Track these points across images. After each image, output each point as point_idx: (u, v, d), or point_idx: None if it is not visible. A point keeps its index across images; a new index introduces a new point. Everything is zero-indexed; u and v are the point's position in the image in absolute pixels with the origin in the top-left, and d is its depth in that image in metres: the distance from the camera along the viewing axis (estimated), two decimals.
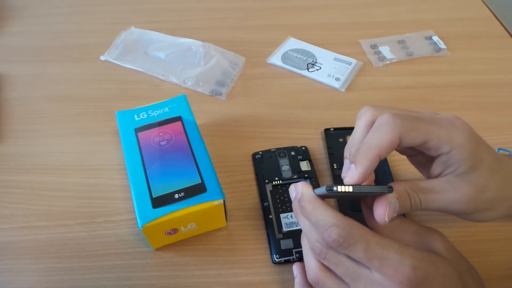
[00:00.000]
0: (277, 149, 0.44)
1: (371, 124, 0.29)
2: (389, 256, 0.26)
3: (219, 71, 0.55)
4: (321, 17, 0.65)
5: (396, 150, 0.31)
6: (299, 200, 0.29)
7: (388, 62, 0.57)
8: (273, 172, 0.42)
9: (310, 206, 0.28)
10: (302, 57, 0.57)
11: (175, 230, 0.36)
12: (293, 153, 0.44)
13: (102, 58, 0.57)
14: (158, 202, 0.34)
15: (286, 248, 0.37)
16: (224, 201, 0.35)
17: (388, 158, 0.44)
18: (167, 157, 0.37)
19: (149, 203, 0.34)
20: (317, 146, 0.46)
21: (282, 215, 0.39)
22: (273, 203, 0.40)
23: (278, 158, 0.43)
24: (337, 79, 0.54)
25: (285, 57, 0.57)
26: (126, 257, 0.37)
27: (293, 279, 0.34)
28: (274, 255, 0.37)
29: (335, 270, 0.28)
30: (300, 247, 0.36)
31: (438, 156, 0.29)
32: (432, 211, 0.30)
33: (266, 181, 0.42)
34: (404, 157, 0.34)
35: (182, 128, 0.40)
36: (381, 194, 0.28)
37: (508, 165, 0.31)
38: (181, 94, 0.44)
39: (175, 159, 0.37)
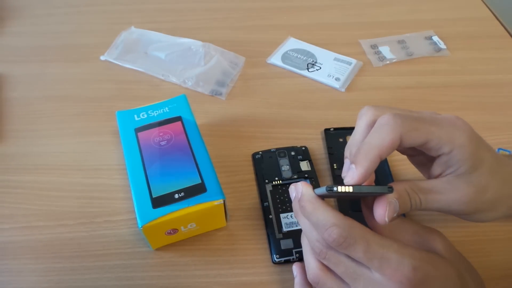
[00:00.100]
0: (277, 149, 0.44)
1: (372, 124, 0.29)
2: (389, 256, 0.26)
3: (219, 71, 0.55)
4: (321, 17, 0.65)
5: (397, 150, 0.31)
6: (299, 200, 0.29)
7: (388, 62, 0.57)
8: (273, 172, 0.42)
9: (310, 206, 0.28)
10: (302, 57, 0.57)
11: (175, 230, 0.36)
12: (293, 153, 0.44)
13: (102, 58, 0.57)
14: (158, 202, 0.34)
15: (286, 248, 0.37)
16: (224, 201, 0.35)
17: (388, 158, 0.44)
18: (167, 157, 0.37)
19: (149, 203, 0.34)
20: (317, 146, 0.46)
21: (282, 215, 0.39)
22: (273, 203, 0.40)
23: (278, 158, 0.43)
24: (337, 79, 0.54)
25: (285, 57, 0.57)
26: (126, 257, 0.37)
27: (293, 279, 0.34)
28: (274, 255, 0.37)
29: (335, 270, 0.28)
30: (300, 247, 0.36)
31: (438, 156, 0.29)
32: (432, 211, 0.30)
33: (266, 181, 0.42)
34: (404, 157, 0.34)
35: (182, 128, 0.40)
36: (381, 194, 0.28)
37: (508, 166, 0.31)
38: (181, 94, 0.44)
39: (175, 159, 0.37)
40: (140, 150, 0.38)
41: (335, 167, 0.43)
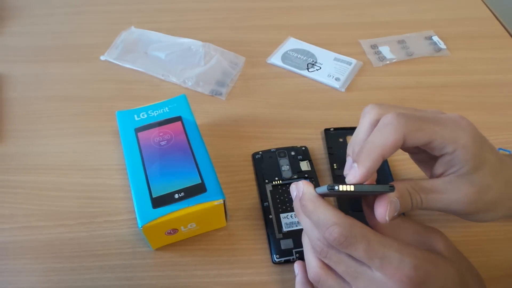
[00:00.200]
0: (277, 149, 0.44)
1: (375, 122, 0.29)
2: (390, 255, 0.26)
3: (219, 71, 0.55)
4: (321, 17, 0.65)
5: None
6: (300, 199, 0.29)
7: (388, 62, 0.57)
8: (273, 172, 0.42)
9: (311, 204, 0.28)
10: (302, 57, 0.57)
11: (175, 230, 0.36)
12: (293, 153, 0.44)
13: (102, 58, 0.57)
14: (158, 202, 0.34)
15: (286, 248, 0.37)
16: (224, 201, 0.35)
17: (388, 158, 0.44)
18: (167, 157, 0.37)
19: (149, 203, 0.34)
20: (317, 146, 0.46)
21: (282, 215, 0.39)
22: (273, 203, 0.40)
23: (278, 158, 0.43)
24: (337, 79, 0.54)
25: (285, 57, 0.57)
26: (126, 257, 0.37)
27: (293, 279, 0.34)
28: (274, 255, 0.37)
29: (336, 268, 0.28)
30: (300, 247, 0.36)
31: (441, 155, 0.29)
32: (432, 211, 0.30)
33: (266, 181, 0.42)
34: (404, 157, 0.35)
35: (182, 128, 0.40)
36: (382, 193, 0.28)
37: (510, 167, 0.31)
38: (181, 94, 0.44)
39: (175, 159, 0.37)
40: (140, 150, 0.38)
41: (335, 167, 0.43)
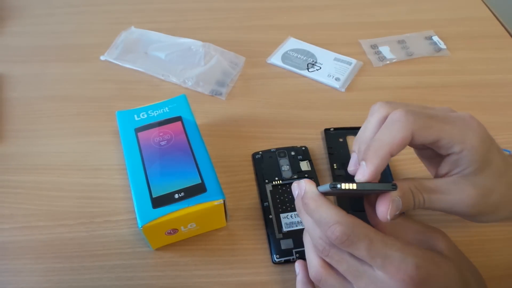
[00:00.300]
0: (277, 149, 0.44)
1: (384, 120, 0.29)
2: (391, 254, 0.26)
3: (219, 71, 0.55)
4: (321, 17, 0.65)
5: None
6: (302, 197, 0.29)
7: (388, 62, 0.57)
8: (273, 172, 0.42)
9: (313, 203, 0.28)
10: (302, 57, 0.57)
11: (175, 230, 0.36)
12: (293, 153, 0.44)
13: (102, 58, 0.57)
14: (158, 202, 0.34)
15: (286, 248, 0.37)
16: (224, 201, 0.35)
17: None
18: (167, 157, 0.37)
19: (149, 203, 0.34)
20: (317, 146, 0.46)
21: (282, 215, 0.39)
22: (273, 203, 0.40)
23: (278, 158, 0.43)
24: (337, 79, 0.54)
25: (285, 57, 0.57)
26: (126, 257, 0.37)
27: (293, 279, 0.34)
28: (274, 255, 0.37)
29: (337, 267, 0.28)
30: (301, 247, 0.36)
31: (448, 155, 0.29)
32: (433, 211, 0.30)
33: (266, 181, 0.42)
34: (405, 157, 0.34)
35: (182, 128, 0.40)
36: (384, 192, 0.27)
37: None
38: (181, 94, 0.44)
39: (175, 159, 0.37)
40: (140, 150, 0.38)
41: (335, 167, 0.43)
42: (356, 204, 0.40)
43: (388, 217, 0.27)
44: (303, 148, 0.44)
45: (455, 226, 0.39)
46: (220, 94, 0.52)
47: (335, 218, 0.27)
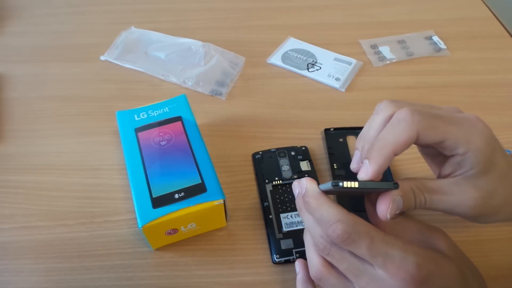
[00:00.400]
0: (277, 149, 0.44)
1: (389, 119, 0.29)
2: (392, 253, 0.25)
3: (219, 71, 0.55)
4: (321, 17, 0.65)
5: None
6: (303, 196, 0.29)
7: (388, 62, 0.57)
8: (273, 172, 0.42)
9: (314, 201, 0.28)
10: (302, 57, 0.57)
11: (175, 230, 0.36)
12: (293, 153, 0.44)
13: (102, 58, 0.57)
14: (158, 202, 0.34)
15: (286, 248, 0.37)
16: (224, 201, 0.35)
17: None
18: (167, 157, 0.37)
19: (149, 203, 0.34)
20: (317, 146, 0.46)
21: (282, 215, 0.39)
22: (273, 203, 0.40)
23: (278, 158, 0.43)
24: (337, 79, 0.54)
25: (285, 57, 0.57)
26: (126, 257, 0.37)
27: (293, 278, 0.34)
28: (274, 255, 0.37)
29: (338, 266, 0.28)
30: (301, 246, 0.36)
31: (452, 156, 0.29)
32: (434, 211, 0.30)
33: (266, 181, 0.42)
34: (406, 157, 0.34)
35: (182, 128, 0.40)
36: (386, 190, 0.27)
37: None
38: (181, 94, 0.44)
39: (175, 159, 0.37)
40: (140, 150, 0.38)
41: (335, 167, 0.43)
42: (357, 204, 0.40)
43: (388, 216, 0.27)
44: (303, 148, 0.44)
45: (455, 226, 0.39)
46: (220, 94, 0.52)
47: (336, 216, 0.27)
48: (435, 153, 0.32)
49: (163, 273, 0.36)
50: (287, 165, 0.43)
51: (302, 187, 0.30)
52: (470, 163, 0.28)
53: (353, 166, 0.30)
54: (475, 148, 0.27)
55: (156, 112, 0.42)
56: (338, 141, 0.46)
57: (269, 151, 0.44)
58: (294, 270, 0.34)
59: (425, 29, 0.62)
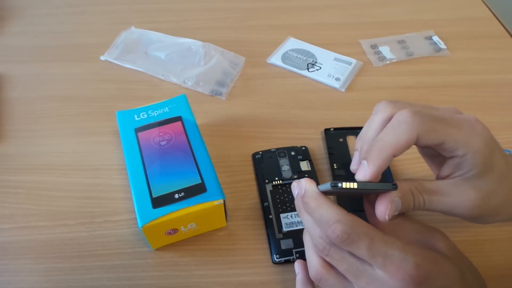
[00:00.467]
0: (277, 149, 0.44)
1: (388, 120, 0.29)
2: (392, 253, 0.25)
3: (219, 71, 0.55)
4: (321, 17, 0.65)
5: None
6: (302, 196, 0.29)
7: (388, 62, 0.57)
8: (273, 172, 0.42)
9: (313, 202, 0.28)
10: (302, 57, 0.57)
11: (175, 230, 0.36)
12: (293, 153, 0.44)
13: (102, 58, 0.57)
14: (158, 202, 0.34)
15: (286, 248, 0.37)
16: (224, 201, 0.35)
17: None
18: (167, 157, 0.37)
19: (149, 203, 0.34)
20: (317, 146, 0.46)
21: (282, 215, 0.39)
22: (273, 203, 0.40)
23: (278, 158, 0.43)
24: (337, 79, 0.54)
25: (285, 57, 0.57)
26: (126, 257, 0.37)
27: (293, 279, 0.34)
28: (274, 255, 0.37)
29: (337, 266, 0.28)
30: (301, 247, 0.36)
31: (451, 157, 0.29)
32: (433, 211, 0.30)
33: (266, 181, 0.42)
34: (405, 157, 0.34)
35: (182, 128, 0.40)
36: (385, 191, 0.27)
37: None
38: (181, 94, 0.44)
39: (175, 159, 0.37)
40: (140, 150, 0.38)
41: (335, 167, 0.43)
42: (357, 204, 0.40)
43: (387, 217, 0.27)
44: (303, 148, 0.44)
45: (455, 226, 0.39)
46: (220, 94, 0.52)
47: (335, 217, 0.27)
48: (435, 154, 0.32)
49: (163, 273, 0.36)
50: (287, 165, 0.43)
51: (301, 187, 0.30)
52: (469, 164, 0.28)
53: (353, 167, 0.30)
54: (474, 150, 0.27)
55: (156, 112, 0.42)
56: (338, 141, 0.46)
57: (269, 151, 0.44)
58: (294, 270, 0.34)
59: (425, 29, 0.62)
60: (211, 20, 0.64)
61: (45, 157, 0.45)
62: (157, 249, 0.38)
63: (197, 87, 0.53)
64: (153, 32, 0.61)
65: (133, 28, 0.61)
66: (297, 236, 0.37)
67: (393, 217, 0.27)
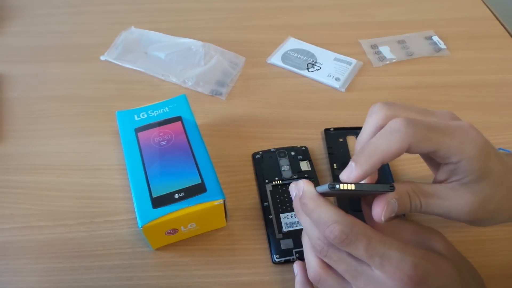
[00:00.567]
0: (277, 149, 0.44)
1: (382, 123, 0.29)
2: (390, 254, 0.26)
3: (219, 71, 0.55)
4: (321, 17, 0.65)
5: None
6: (300, 198, 0.29)
7: (388, 62, 0.57)
8: (273, 172, 0.42)
9: (311, 203, 0.28)
10: (302, 57, 0.57)
11: (175, 230, 0.36)
12: (293, 153, 0.44)
13: (102, 58, 0.57)
14: (158, 202, 0.34)
15: (286, 248, 0.37)
16: (224, 201, 0.35)
17: None
18: (167, 157, 0.37)
19: (149, 203, 0.34)
20: (317, 146, 0.46)
21: (282, 215, 0.39)
22: (273, 203, 0.40)
23: (278, 158, 0.43)
24: (337, 79, 0.54)
25: (285, 57, 0.57)
26: (126, 257, 0.37)
27: (293, 279, 0.34)
28: (274, 255, 0.37)
29: (336, 267, 0.28)
30: (300, 247, 0.36)
31: (446, 164, 0.29)
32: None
33: (266, 181, 0.42)
34: (405, 157, 0.34)
35: (182, 128, 0.40)
36: (382, 193, 0.27)
37: None
38: (181, 94, 0.44)
39: (175, 159, 0.37)
40: (140, 150, 0.38)
41: (335, 167, 0.43)
42: (356, 204, 0.40)
43: (383, 218, 0.27)
44: (303, 148, 0.44)
45: (455, 226, 0.39)
46: (220, 94, 0.52)
47: (333, 217, 0.27)
48: (432, 157, 0.32)
49: (163, 273, 0.36)
50: (287, 165, 0.43)
51: (299, 189, 0.30)
52: (464, 171, 0.28)
53: None
54: (468, 157, 0.27)
55: (156, 112, 0.42)
56: (338, 141, 0.46)
57: (269, 151, 0.44)
58: (294, 271, 0.34)
59: (425, 29, 0.62)
60: (211, 20, 0.64)
61: (45, 157, 0.45)
62: (157, 249, 0.38)
63: (197, 87, 0.53)
64: (153, 32, 0.61)
65: (133, 28, 0.61)
66: (297, 236, 0.37)
67: (390, 219, 0.27)
